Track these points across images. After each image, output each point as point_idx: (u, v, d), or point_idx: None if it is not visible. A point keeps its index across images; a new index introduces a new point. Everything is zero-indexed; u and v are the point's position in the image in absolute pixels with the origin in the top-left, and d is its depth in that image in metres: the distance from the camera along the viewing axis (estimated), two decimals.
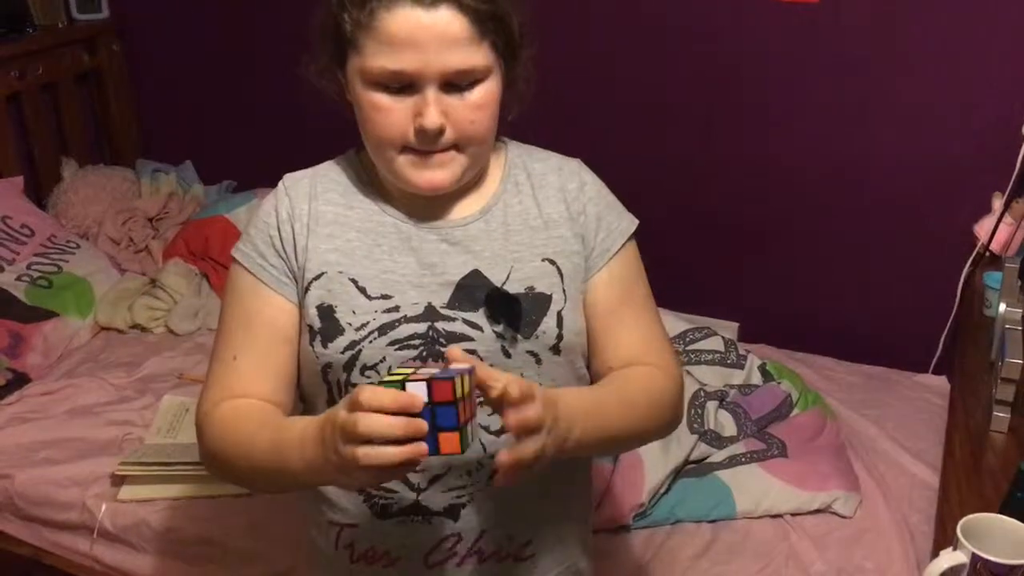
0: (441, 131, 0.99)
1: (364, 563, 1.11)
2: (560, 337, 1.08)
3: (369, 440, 0.81)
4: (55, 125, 2.82)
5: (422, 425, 0.81)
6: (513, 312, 1.06)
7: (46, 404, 2.10)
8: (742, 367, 2.03)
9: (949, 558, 1.12)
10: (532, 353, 1.07)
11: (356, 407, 0.82)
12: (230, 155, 2.94)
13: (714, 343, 2.07)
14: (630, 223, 1.15)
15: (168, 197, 2.80)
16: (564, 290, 1.09)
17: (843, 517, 1.74)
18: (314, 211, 1.09)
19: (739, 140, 2.33)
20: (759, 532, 1.72)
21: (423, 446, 0.82)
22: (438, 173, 1.03)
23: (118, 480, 1.85)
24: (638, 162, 2.32)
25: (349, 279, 1.06)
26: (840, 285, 2.34)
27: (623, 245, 1.13)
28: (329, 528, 1.13)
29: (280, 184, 1.12)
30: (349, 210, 1.10)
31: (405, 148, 1.02)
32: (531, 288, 1.07)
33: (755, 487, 1.76)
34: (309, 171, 1.14)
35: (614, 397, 1.04)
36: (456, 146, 1.02)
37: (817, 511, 1.75)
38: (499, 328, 1.06)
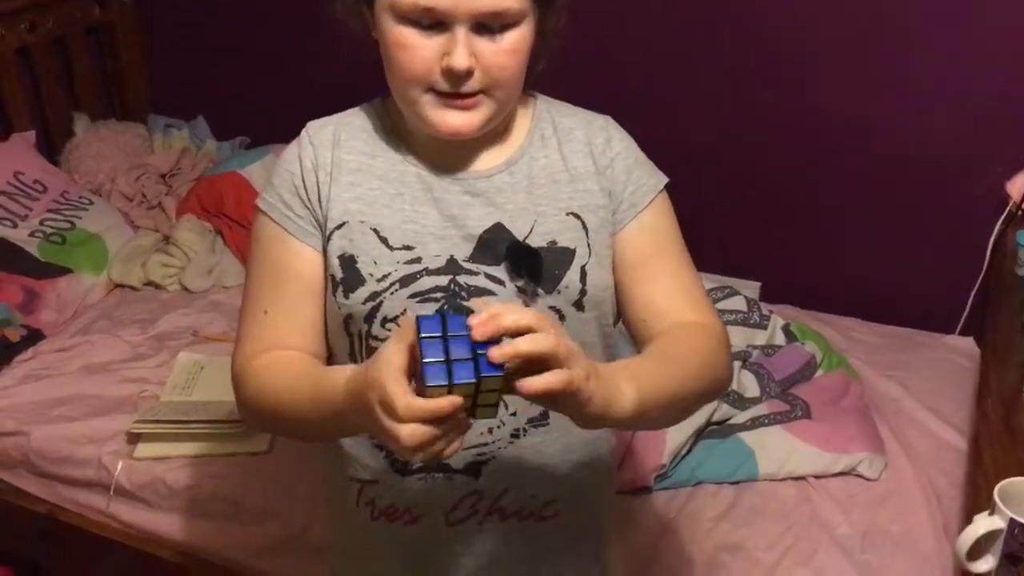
0: (469, 73, 0.96)
1: (385, 520, 1.09)
2: (583, 292, 1.05)
3: None
4: (66, 79, 2.77)
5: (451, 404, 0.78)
6: (534, 266, 1.03)
7: (60, 361, 2.09)
8: (765, 327, 2.00)
9: (986, 523, 1.09)
10: (555, 309, 1.04)
11: (391, 413, 0.79)
12: (243, 111, 2.89)
13: (737, 303, 2.03)
14: (660, 179, 1.11)
15: (181, 153, 2.76)
16: (589, 244, 1.06)
17: (868, 480, 1.71)
18: (337, 159, 1.06)
19: (762, 95, 2.26)
20: (782, 494, 1.69)
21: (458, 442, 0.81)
22: (462, 117, 0.99)
23: (133, 438, 1.84)
24: (656, 119, 2.26)
25: (371, 228, 1.04)
26: (865, 244, 2.29)
27: (652, 200, 1.09)
28: (349, 484, 1.11)
29: (303, 132, 1.09)
30: (372, 158, 1.07)
31: (430, 89, 0.98)
32: (553, 242, 1.04)
33: (778, 449, 1.73)
34: (333, 118, 1.10)
35: (663, 358, 0.99)
36: (483, 91, 0.98)
37: (841, 473, 1.72)
38: (521, 283, 1.03)
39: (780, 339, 1.99)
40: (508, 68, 0.97)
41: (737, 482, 1.72)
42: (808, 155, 2.28)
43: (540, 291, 1.04)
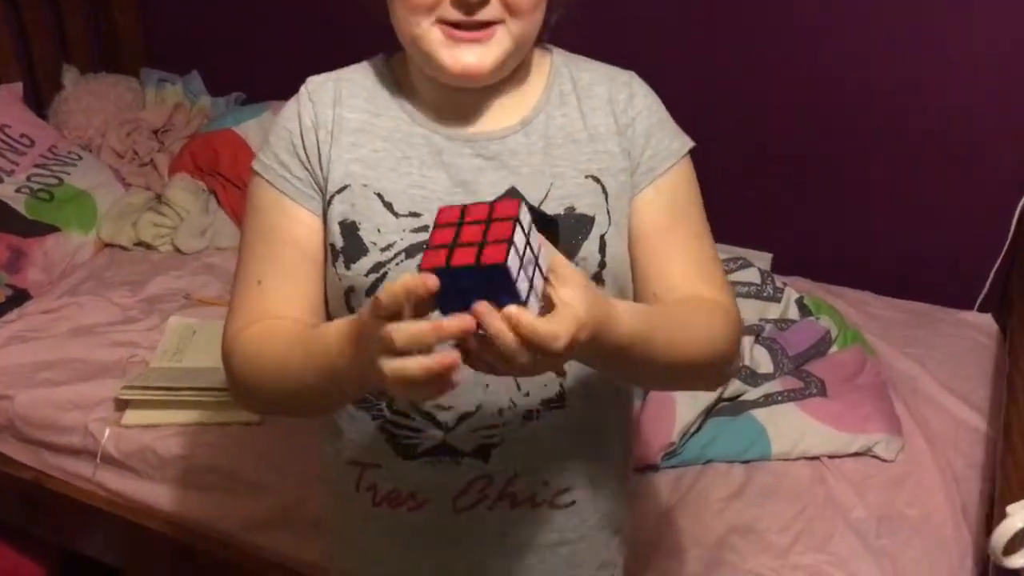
0: None
1: (387, 506, 1.02)
2: (603, 264, 0.97)
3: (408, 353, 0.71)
4: (55, 29, 2.68)
5: (458, 324, 0.70)
6: (550, 234, 0.94)
7: (47, 323, 2.02)
8: (779, 300, 1.93)
9: None
10: None
11: (379, 310, 0.72)
12: (239, 66, 2.79)
13: (750, 275, 1.96)
14: (683, 143, 1.03)
15: (174, 108, 2.67)
16: (608, 212, 0.98)
17: (884, 461, 1.65)
18: (338, 117, 0.98)
19: (773, 59, 2.17)
20: (795, 474, 1.63)
21: (451, 354, 0.70)
22: (475, 53, 0.90)
23: (122, 404, 1.77)
24: (663, 80, 2.17)
25: (375, 193, 0.96)
26: (882, 215, 2.21)
27: (672, 166, 1.01)
28: (349, 468, 1.04)
29: (302, 88, 1.01)
30: (375, 117, 0.99)
31: (439, 22, 0.90)
32: (571, 208, 0.97)
33: (792, 427, 1.66)
34: (333, 74, 1.02)
35: (669, 317, 0.92)
36: (500, 21, 0.90)
37: (856, 454, 1.66)
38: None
39: (794, 313, 1.92)
40: None
41: (748, 461, 1.65)
42: (822, 122, 2.19)
43: None
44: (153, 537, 1.73)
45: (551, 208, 0.96)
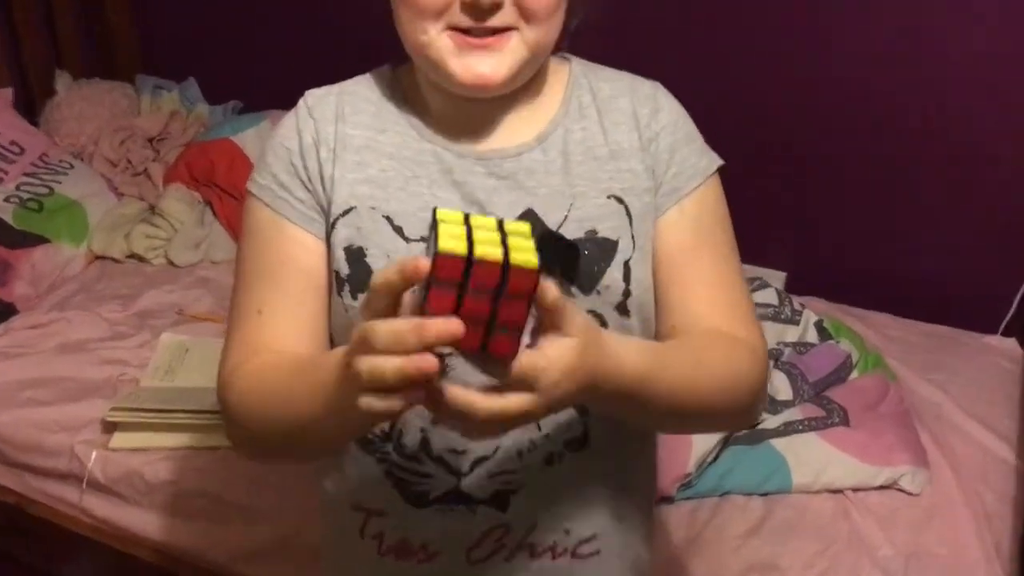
0: (497, 3, 0.81)
1: (394, 557, 0.94)
2: (627, 293, 0.90)
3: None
4: (48, 33, 2.59)
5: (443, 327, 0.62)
6: (570, 260, 0.87)
7: (33, 339, 1.94)
8: (797, 323, 1.86)
9: None
10: (594, 313, 0.89)
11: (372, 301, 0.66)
12: (238, 73, 2.72)
13: (767, 295, 1.89)
14: (710, 161, 0.96)
15: (170, 116, 2.59)
16: (633, 235, 0.90)
17: (910, 494, 1.57)
18: (341, 134, 0.91)
19: (787, 66, 2.09)
20: (817, 509, 1.55)
21: (427, 359, 0.62)
22: (488, 61, 0.83)
23: (109, 427, 1.69)
24: (674, 90, 2.10)
25: (383, 216, 0.88)
26: (901, 234, 2.14)
27: (699, 185, 0.93)
28: (353, 515, 0.95)
29: (301, 102, 0.94)
30: (381, 134, 0.92)
31: (448, 28, 0.83)
32: (593, 232, 0.89)
33: (813, 458, 1.58)
34: (335, 87, 0.95)
35: (684, 354, 0.85)
36: (514, 27, 0.83)
37: (881, 487, 1.58)
38: (553, 280, 0.87)
39: (813, 336, 1.84)
40: None
41: (767, 493, 1.57)
42: (841, 136, 2.12)
43: (575, 290, 0.89)
44: (140, 567, 1.65)
45: (571, 231, 0.89)
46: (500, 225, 0.67)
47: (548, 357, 0.67)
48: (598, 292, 0.89)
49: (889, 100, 2.03)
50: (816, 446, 1.60)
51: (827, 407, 1.68)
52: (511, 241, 0.65)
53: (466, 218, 0.67)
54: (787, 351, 1.78)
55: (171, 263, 2.23)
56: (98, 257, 2.24)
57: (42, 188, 2.24)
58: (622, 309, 0.90)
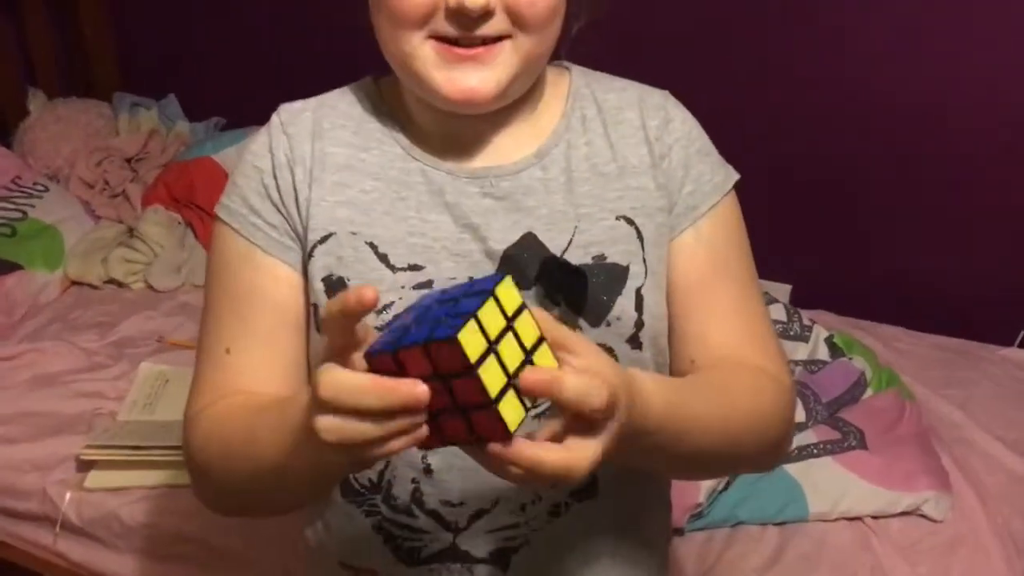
0: (487, 10, 0.72)
1: None
2: (640, 324, 0.82)
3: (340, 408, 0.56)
4: (20, 50, 2.52)
5: (408, 391, 0.54)
6: (575, 289, 0.79)
7: (5, 372, 1.84)
8: (807, 339, 1.78)
9: None
10: (603, 347, 0.81)
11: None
12: (220, 89, 2.63)
13: (775, 311, 1.81)
14: (727, 176, 0.88)
15: (149, 135, 2.50)
16: (645, 260, 0.82)
17: (933, 521, 1.49)
18: (319, 153, 0.83)
19: (792, 67, 2.02)
20: (836, 539, 1.47)
21: (419, 428, 0.55)
22: (477, 75, 0.75)
23: (85, 465, 1.59)
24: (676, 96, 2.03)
25: (366, 243, 0.80)
26: (912, 242, 2.06)
27: (716, 204, 0.85)
28: (340, 572, 0.87)
29: (274, 118, 0.86)
30: (364, 152, 0.83)
31: (432, 36, 0.74)
32: (601, 257, 0.81)
33: (830, 484, 1.50)
34: (312, 101, 0.87)
35: (706, 390, 0.77)
36: (507, 35, 0.74)
37: (903, 513, 1.49)
38: (557, 312, 0.79)
39: (824, 353, 1.76)
40: (540, 3, 0.74)
41: (783, 523, 1.49)
42: (846, 140, 2.05)
43: (583, 322, 0.80)
44: None
45: (576, 257, 0.81)
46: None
47: (583, 367, 0.59)
48: (607, 324, 0.81)
49: (899, 108, 1.97)
50: (833, 471, 1.52)
51: (843, 429, 1.59)
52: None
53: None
54: (798, 370, 1.70)
55: (151, 288, 2.14)
56: (74, 283, 2.16)
57: (15, 212, 2.16)
58: (634, 341, 0.82)
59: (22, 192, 2.21)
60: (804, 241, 2.17)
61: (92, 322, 2.02)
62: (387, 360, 0.55)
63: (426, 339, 0.54)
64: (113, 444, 1.59)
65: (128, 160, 2.45)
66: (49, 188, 2.27)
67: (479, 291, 0.56)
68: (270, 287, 0.81)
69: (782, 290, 2.15)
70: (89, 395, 1.79)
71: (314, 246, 0.81)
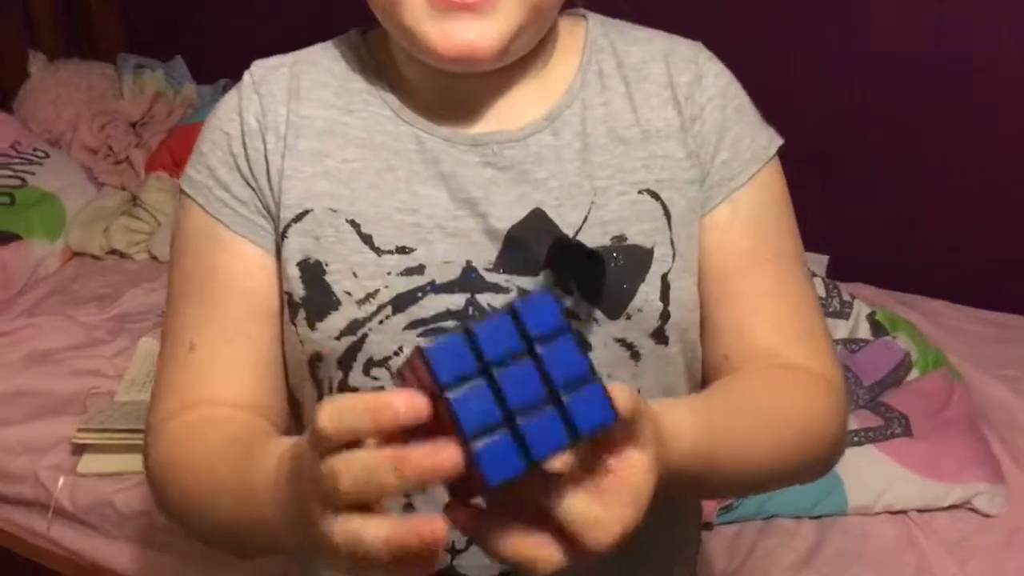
0: None
1: None
2: (666, 315, 0.71)
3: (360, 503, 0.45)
4: (20, 10, 2.44)
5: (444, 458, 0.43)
6: (591, 276, 0.68)
7: (0, 348, 1.78)
8: (847, 317, 1.66)
9: None
10: (623, 342, 0.71)
11: (320, 441, 0.46)
12: (229, 49, 2.51)
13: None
14: (770, 140, 0.76)
15: (154, 98, 2.42)
16: (672, 241, 0.72)
17: (985, 516, 1.38)
18: (295, 116, 0.72)
19: (825, 16, 1.89)
20: (878, 534, 1.36)
21: (433, 523, 0.44)
22: (474, 27, 0.64)
23: (79, 448, 1.52)
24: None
25: (347, 221, 0.70)
26: (958, 208, 1.92)
27: (757, 173, 0.74)
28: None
29: (246, 76, 0.76)
30: (347, 115, 0.73)
31: None
32: (621, 238, 0.70)
33: (872, 475, 1.39)
34: (289, 57, 0.77)
35: (746, 404, 0.68)
36: None
37: (951, 507, 1.38)
38: (570, 302, 0.69)
39: (865, 331, 1.65)
40: None
41: (820, 516, 1.38)
42: (887, 94, 1.91)
43: (599, 315, 0.70)
44: None
45: (592, 238, 0.70)
46: None
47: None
48: (628, 316, 0.70)
49: (947, 59, 1.83)
50: (875, 461, 1.41)
51: (886, 415, 1.48)
52: None
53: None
54: (838, 349, 1.59)
55: (154, 258, 2.07)
56: (76, 254, 2.09)
57: (14, 179, 2.10)
58: (659, 336, 0.71)
59: (21, 158, 2.15)
60: (842, 207, 2.02)
61: (93, 294, 1.96)
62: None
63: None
64: (107, 427, 1.52)
65: (132, 124, 2.38)
66: (50, 154, 2.20)
67: (583, 380, 0.44)
68: (239, 271, 0.72)
69: (818, 261, 2.02)
70: (86, 373, 1.72)
71: (288, 225, 0.70)
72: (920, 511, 1.39)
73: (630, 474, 0.48)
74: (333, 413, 0.45)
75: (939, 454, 1.41)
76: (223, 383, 0.70)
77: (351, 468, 0.43)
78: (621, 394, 0.46)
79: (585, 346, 0.49)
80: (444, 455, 0.43)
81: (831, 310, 1.66)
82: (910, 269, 1.95)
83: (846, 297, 1.69)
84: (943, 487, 1.38)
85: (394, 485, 0.43)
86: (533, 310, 0.44)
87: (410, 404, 0.43)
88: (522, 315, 0.44)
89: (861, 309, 1.68)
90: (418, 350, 0.44)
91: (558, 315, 0.44)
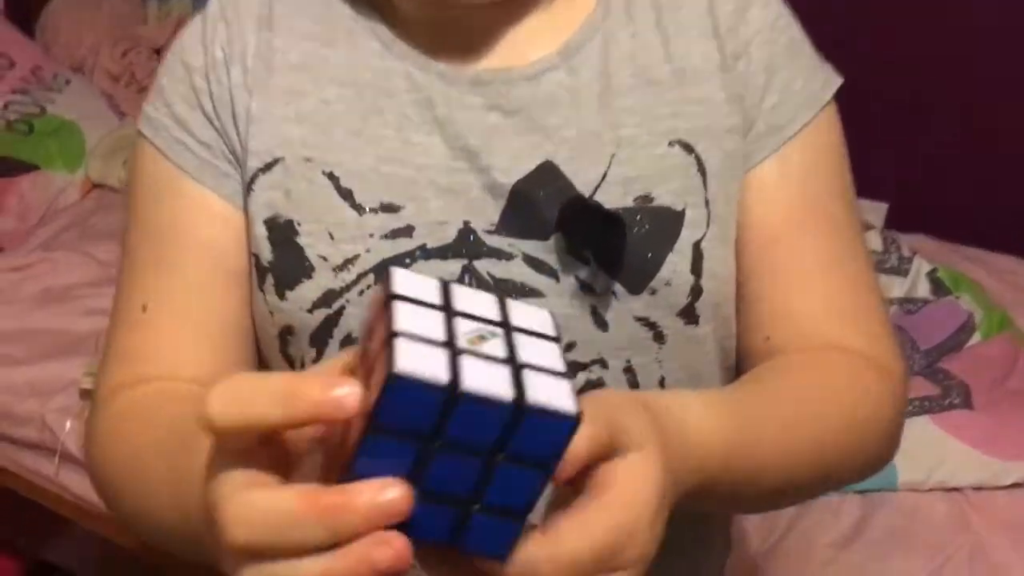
0: None
1: None
2: (697, 291, 0.61)
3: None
4: None
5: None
6: (610, 242, 0.59)
7: (14, 283, 1.74)
8: (905, 274, 1.58)
9: None
10: (646, 321, 0.61)
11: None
12: None
13: (868, 239, 1.58)
14: (825, 82, 0.65)
15: (179, 23, 2.36)
16: (707, 203, 0.62)
17: None
18: (265, 47, 0.63)
19: None
20: (929, 512, 1.29)
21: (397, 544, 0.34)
22: None
23: (86, 393, 1.47)
24: None
25: (323, 173, 0.61)
26: None
27: (811, 121, 0.64)
28: None
29: (212, 0, 0.66)
30: (327, 47, 0.63)
31: None
32: (646, 198, 0.61)
33: (926, 449, 1.31)
34: None
35: (785, 390, 0.58)
36: None
37: (1013, 486, 1.31)
38: (585, 273, 0.60)
39: (925, 290, 1.56)
40: None
41: (866, 492, 1.31)
42: (953, 33, 1.80)
43: (619, 288, 0.60)
44: (125, 555, 1.46)
45: (612, 197, 0.60)
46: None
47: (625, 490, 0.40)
48: (653, 291, 0.60)
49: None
50: (929, 433, 1.34)
51: (943, 383, 1.40)
52: None
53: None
54: (893, 309, 1.51)
55: None
56: (96, 186, 2.05)
57: (33, 107, 2.06)
58: (688, 315, 0.61)
59: (42, 85, 2.11)
60: (901, 150, 1.93)
61: (111, 229, 1.89)
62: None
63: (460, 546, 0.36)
64: None
65: (156, 51, 2.32)
66: (71, 81, 2.16)
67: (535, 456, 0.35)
68: (201, 225, 0.63)
69: (876, 210, 1.93)
70: (99, 312, 1.66)
71: (255, 175, 0.61)
72: (976, 489, 1.32)
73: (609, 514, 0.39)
74: (226, 394, 0.35)
75: (1000, 427, 1.35)
76: (180, 353, 0.62)
77: (251, 519, 0.34)
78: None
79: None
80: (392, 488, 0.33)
81: (888, 266, 1.58)
82: (978, 220, 1.85)
83: (905, 252, 1.60)
84: (1003, 464, 1.32)
85: (320, 539, 0.33)
86: (542, 428, 0.34)
87: (352, 397, 0.33)
88: (524, 424, 0.34)
89: (921, 266, 1.59)
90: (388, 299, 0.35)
91: (560, 447, 0.35)
